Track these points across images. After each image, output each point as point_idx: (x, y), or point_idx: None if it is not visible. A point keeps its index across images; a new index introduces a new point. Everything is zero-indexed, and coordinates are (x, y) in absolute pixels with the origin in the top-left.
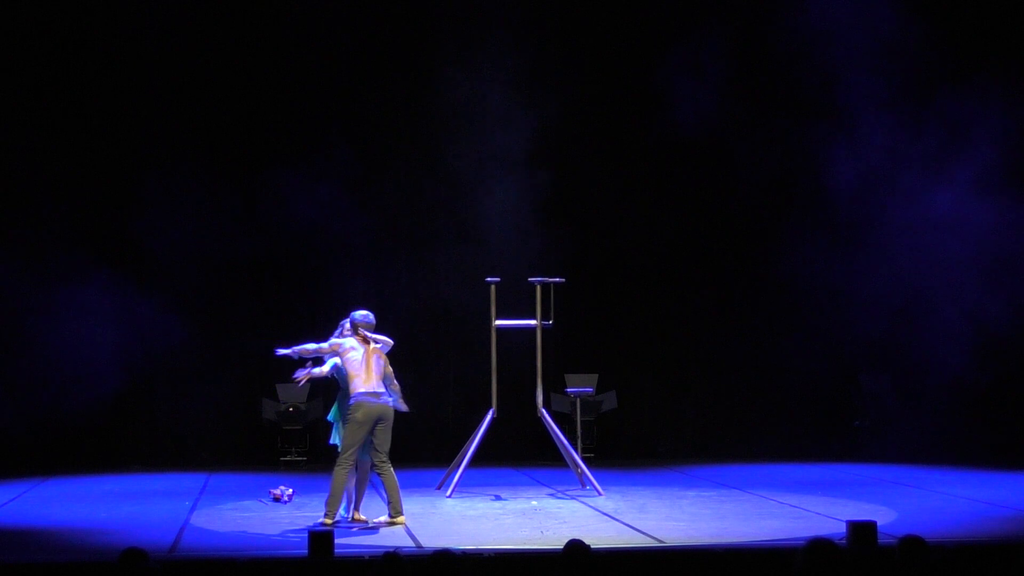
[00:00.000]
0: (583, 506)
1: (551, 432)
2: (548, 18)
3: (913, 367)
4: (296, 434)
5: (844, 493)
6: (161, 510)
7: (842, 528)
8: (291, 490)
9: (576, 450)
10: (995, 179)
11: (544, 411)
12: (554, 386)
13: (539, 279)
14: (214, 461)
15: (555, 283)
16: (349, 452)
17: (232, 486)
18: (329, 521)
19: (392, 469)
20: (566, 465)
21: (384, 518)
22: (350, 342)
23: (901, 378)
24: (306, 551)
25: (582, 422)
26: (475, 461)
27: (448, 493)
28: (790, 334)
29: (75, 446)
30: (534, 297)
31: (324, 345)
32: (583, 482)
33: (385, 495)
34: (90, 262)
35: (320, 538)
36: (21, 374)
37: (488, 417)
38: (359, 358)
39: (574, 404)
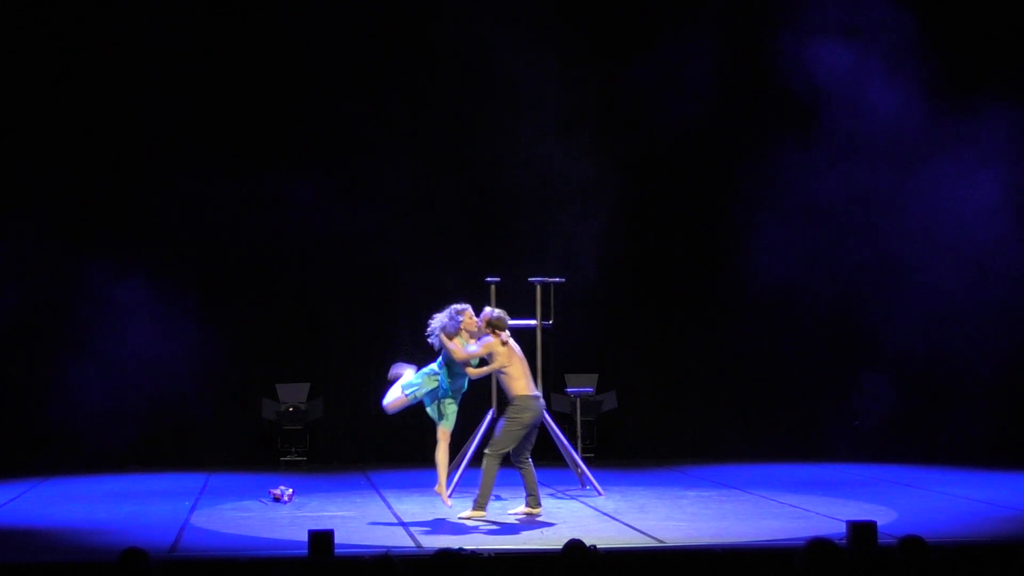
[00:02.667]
0: (583, 506)
1: (551, 432)
2: (546, 22)
3: (914, 366)
4: (296, 434)
5: (844, 493)
6: (161, 510)
7: (842, 528)
8: (291, 490)
9: (576, 450)
10: (997, 176)
11: (544, 411)
12: (554, 386)
13: (539, 279)
14: (214, 461)
15: (555, 283)
16: (504, 450)
17: (232, 486)
18: (482, 513)
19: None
20: (566, 465)
21: (523, 508)
22: (499, 341)
23: (901, 378)
24: (306, 551)
25: (582, 422)
26: (475, 461)
27: (448, 493)
28: (790, 334)
29: (75, 446)
30: (534, 297)
31: (473, 348)
32: (583, 482)
33: (525, 488)
34: (88, 261)
35: (320, 538)
36: (23, 375)
37: (488, 417)
38: (520, 359)
39: (574, 404)
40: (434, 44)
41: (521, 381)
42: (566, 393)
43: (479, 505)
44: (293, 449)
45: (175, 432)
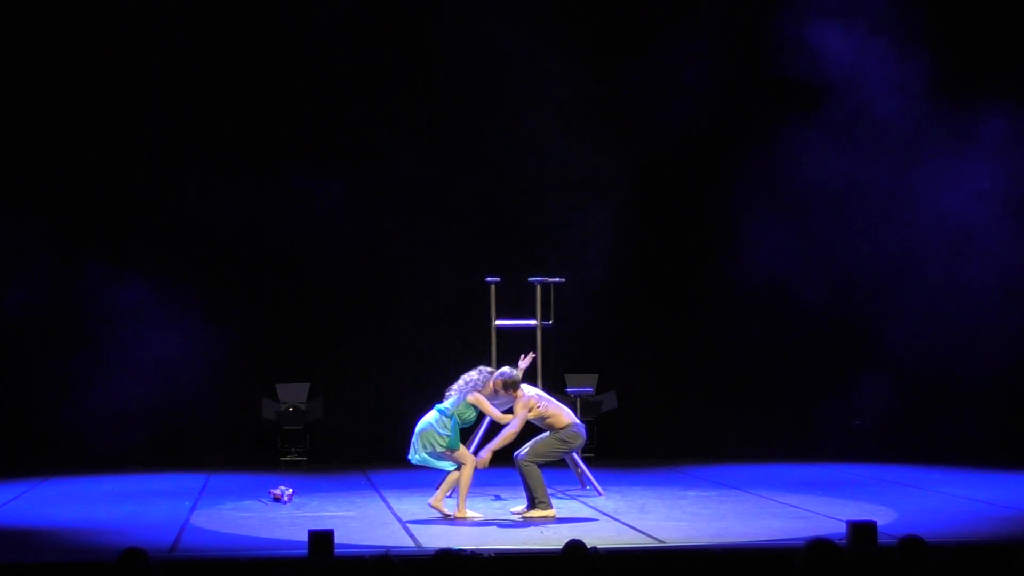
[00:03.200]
0: (583, 506)
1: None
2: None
3: (914, 366)
4: (296, 434)
5: (844, 493)
6: (161, 510)
7: (842, 528)
8: (291, 490)
9: (576, 450)
10: (999, 173)
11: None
12: (554, 386)
13: (539, 279)
14: (214, 461)
15: (555, 283)
16: (541, 460)
17: (232, 486)
18: (552, 512)
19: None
20: (566, 465)
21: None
22: (530, 397)
23: (901, 378)
24: (306, 551)
25: (582, 422)
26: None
27: (448, 493)
28: (790, 334)
29: (75, 446)
30: (534, 297)
31: (521, 417)
32: (583, 482)
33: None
34: (88, 261)
35: (320, 538)
36: (23, 375)
37: (487, 420)
38: (549, 401)
39: (574, 404)
40: (435, 44)
41: (561, 414)
42: (566, 393)
43: (544, 505)
44: (293, 449)
45: (175, 432)
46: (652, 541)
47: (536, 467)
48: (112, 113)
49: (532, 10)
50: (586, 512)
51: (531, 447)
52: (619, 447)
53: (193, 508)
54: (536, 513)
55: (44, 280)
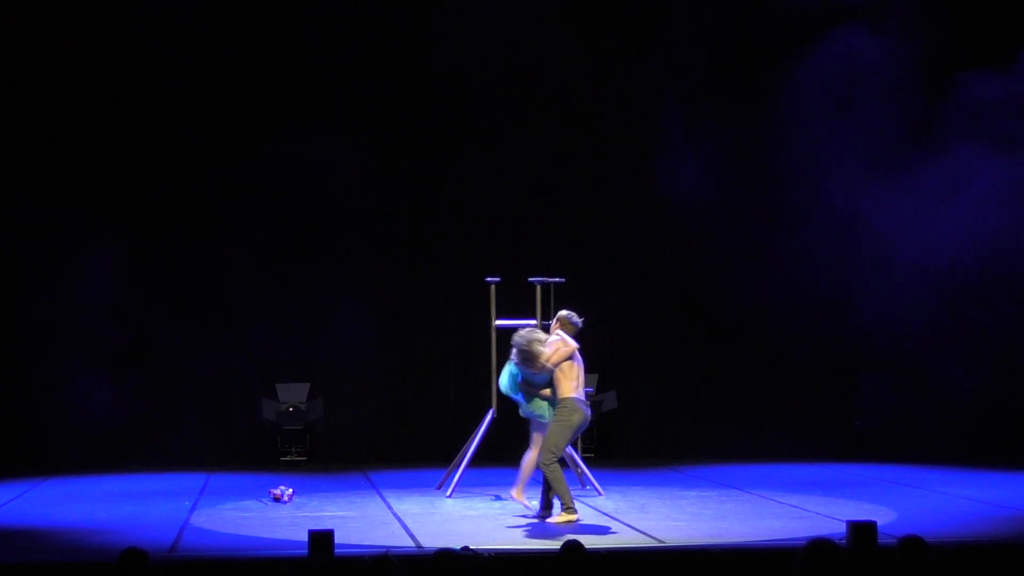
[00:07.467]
0: (583, 506)
1: None
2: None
3: (913, 366)
4: (296, 434)
5: (844, 493)
6: (161, 510)
7: (842, 528)
8: (291, 490)
9: (576, 450)
10: (1001, 170)
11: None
12: None
13: (539, 279)
14: (214, 461)
15: (555, 283)
16: (559, 455)
17: (232, 486)
18: (574, 516)
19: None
20: (566, 465)
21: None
22: (563, 345)
23: (901, 378)
24: (306, 551)
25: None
26: (475, 461)
27: (448, 493)
28: (790, 333)
29: (75, 446)
30: (534, 297)
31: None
32: (583, 482)
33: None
34: (87, 260)
35: (320, 538)
36: (22, 374)
37: (488, 417)
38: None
39: None
40: (435, 41)
41: (568, 381)
42: None
43: (568, 508)
44: (293, 449)
45: (175, 432)
46: (652, 541)
47: (558, 468)
48: (111, 115)
49: (536, 8)
50: (586, 512)
51: (544, 447)
52: (619, 447)
53: (193, 508)
54: (562, 518)
55: (41, 280)
